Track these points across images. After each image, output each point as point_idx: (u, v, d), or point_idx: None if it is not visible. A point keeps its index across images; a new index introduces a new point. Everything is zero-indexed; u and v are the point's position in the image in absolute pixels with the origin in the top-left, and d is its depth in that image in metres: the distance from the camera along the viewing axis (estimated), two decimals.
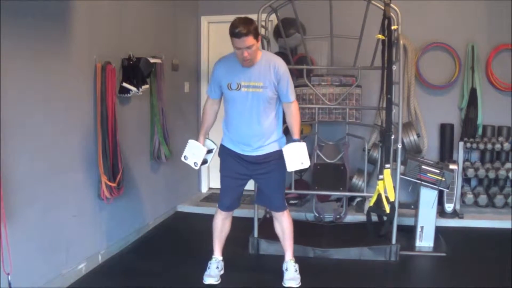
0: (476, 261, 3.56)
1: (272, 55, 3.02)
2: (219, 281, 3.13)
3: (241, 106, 2.90)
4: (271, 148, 2.99)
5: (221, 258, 3.22)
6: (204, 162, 3.09)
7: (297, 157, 2.88)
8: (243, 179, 3.08)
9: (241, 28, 2.66)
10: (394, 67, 3.33)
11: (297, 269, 3.12)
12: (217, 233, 3.20)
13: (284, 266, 3.15)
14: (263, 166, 2.99)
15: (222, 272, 3.21)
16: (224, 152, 3.08)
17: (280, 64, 2.90)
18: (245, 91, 2.86)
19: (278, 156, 3.00)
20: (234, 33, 2.68)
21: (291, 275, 3.08)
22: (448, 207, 4.33)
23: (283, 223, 3.12)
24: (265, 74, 2.86)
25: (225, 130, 3.06)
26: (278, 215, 3.12)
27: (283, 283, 3.06)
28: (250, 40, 2.69)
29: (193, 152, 3.02)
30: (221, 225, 3.17)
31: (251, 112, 2.89)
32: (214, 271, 3.15)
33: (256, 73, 2.85)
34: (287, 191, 3.40)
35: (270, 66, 2.87)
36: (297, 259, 3.19)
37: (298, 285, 3.04)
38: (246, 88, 2.86)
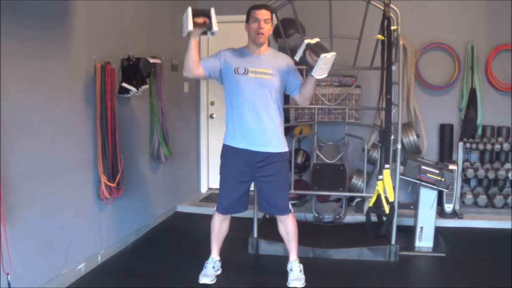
0: (475, 261, 3.56)
1: (280, 52, 3.16)
2: (214, 281, 3.13)
3: (248, 92, 2.89)
4: (278, 147, 2.98)
5: (218, 258, 3.22)
6: (208, 27, 2.76)
7: (327, 67, 2.75)
8: (244, 181, 3.05)
9: (262, 4, 2.95)
10: (394, 68, 3.33)
11: (302, 270, 3.12)
12: (214, 234, 3.19)
13: (289, 266, 3.15)
14: (269, 168, 2.97)
15: (218, 272, 3.21)
16: (226, 153, 3.05)
17: (290, 59, 3.04)
18: (253, 76, 2.90)
19: (283, 158, 3.01)
20: (255, 6, 2.91)
21: (296, 275, 3.08)
22: (448, 208, 4.33)
23: (288, 226, 3.11)
24: (273, 64, 2.95)
25: (229, 126, 3.01)
26: (283, 218, 3.10)
27: (287, 283, 3.05)
28: (268, 14, 2.88)
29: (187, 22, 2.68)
30: (219, 227, 3.17)
31: (260, 99, 2.89)
32: (210, 271, 3.15)
33: (263, 62, 2.94)
34: None
35: (279, 58, 3.02)
36: None
37: (302, 285, 3.04)
38: (253, 74, 2.90)
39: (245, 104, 2.90)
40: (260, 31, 2.87)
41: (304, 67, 4.21)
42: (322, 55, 2.66)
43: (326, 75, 2.79)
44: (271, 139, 2.94)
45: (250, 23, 2.90)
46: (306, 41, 2.76)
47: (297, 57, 2.81)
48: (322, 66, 2.72)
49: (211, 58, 2.97)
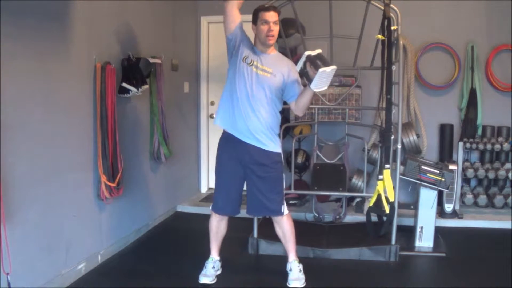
0: (475, 261, 3.56)
1: (286, 57, 3.15)
2: (215, 281, 3.13)
3: (248, 84, 2.89)
4: (273, 147, 2.98)
5: (218, 258, 3.22)
6: None
7: (326, 80, 2.73)
8: (237, 181, 3.05)
9: (271, 5, 2.98)
10: (394, 68, 3.33)
11: (301, 269, 3.11)
12: (213, 234, 3.20)
13: (288, 266, 3.15)
14: (260, 169, 2.97)
15: (218, 272, 3.21)
16: (223, 145, 3.05)
17: (294, 66, 3.00)
18: (255, 71, 2.92)
19: (275, 159, 3.01)
20: (264, 8, 2.93)
21: (296, 275, 3.08)
22: (448, 207, 4.33)
23: (284, 227, 3.11)
24: (276, 65, 2.96)
25: (222, 106, 3.00)
26: (278, 219, 3.10)
27: (287, 284, 3.05)
28: (276, 16, 2.91)
29: None
30: (216, 227, 3.17)
31: (255, 94, 2.89)
32: (210, 271, 3.15)
33: (267, 60, 2.96)
34: (286, 191, 3.39)
35: (284, 62, 3.03)
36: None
37: (302, 285, 3.04)
38: (255, 68, 2.92)
39: (241, 95, 2.91)
40: (270, 34, 2.89)
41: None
42: (321, 70, 2.62)
43: (326, 87, 2.77)
44: (258, 135, 2.93)
45: (259, 25, 2.91)
46: (307, 53, 2.74)
47: (297, 68, 2.81)
48: (321, 79, 2.70)
49: (243, 31, 2.96)
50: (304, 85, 2.92)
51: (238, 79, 2.91)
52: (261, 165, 2.97)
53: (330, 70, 2.65)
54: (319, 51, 2.75)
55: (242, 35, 2.94)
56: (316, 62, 2.68)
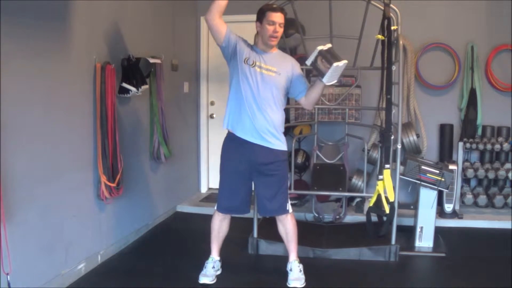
0: (475, 261, 3.56)
1: (287, 54, 3.17)
2: (214, 281, 3.13)
3: (252, 85, 2.90)
4: (279, 145, 2.99)
5: (218, 258, 3.22)
6: None
7: (337, 74, 2.82)
8: (243, 181, 3.05)
9: (278, 6, 2.97)
10: (394, 68, 3.33)
11: (302, 270, 3.12)
12: (214, 234, 3.20)
13: (288, 266, 3.15)
14: (266, 167, 2.97)
15: (218, 272, 3.21)
16: (228, 144, 3.05)
17: (297, 62, 3.05)
18: (258, 71, 2.92)
19: (281, 158, 3.02)
20: (272, 8, 2.91)
21: (296, 275, 3.08)
22: (448, 208, 4.33)
23: (287, 226, 3.11)
24: (280, 63, 2.98)
25: (229, 110, 3.00)
26: (282, 218, 3.11)
27: (287, 283, 3.05)
28: (283, 18, 2.90)
29: None
30: (219, 226, 3.17)
31: (261, 94, 2.90)
32: (209, 271, 3.15)
33: (271, 60, 2.97)
34: None
35: (287, 60, 3.04)
36: None
37: (302, 285, 3.03)
38: (259, 68, 2.93)
39: (247, 96, 2.91)
40: (275, 35, 2.89)
41: (304, 67, 4.22)
42: (335, 64, 2.70)
43: (336, 81, 2.85)
44: (265, 134, 2.93)
45: (265, 24, 2.90)
46: (319, 47, 2.79)
47: (308, 62, 2.84)
48: (333, 74, 2.77)
49: (233, 33, 2.94)
50: (309, 80, 2.93)
51: (242, 81, 2.91)
52: (267, 164, 2.97)
53: (342, 64, 2.74)
54: (329, 45, 2.80)
55: (236, 39, 2.92)
56: (328, 57, 2.75)
